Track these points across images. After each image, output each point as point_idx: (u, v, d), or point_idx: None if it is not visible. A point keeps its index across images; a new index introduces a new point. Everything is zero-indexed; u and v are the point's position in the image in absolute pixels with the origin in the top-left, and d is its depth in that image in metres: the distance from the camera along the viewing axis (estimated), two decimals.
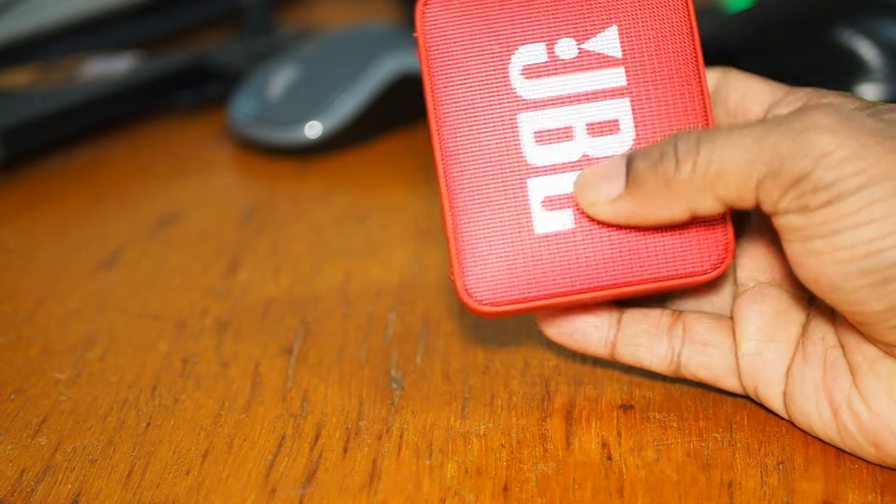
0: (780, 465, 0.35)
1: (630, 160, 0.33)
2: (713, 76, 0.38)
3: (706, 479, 0.34)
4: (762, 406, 0.37)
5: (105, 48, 0.71)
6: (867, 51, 0.57)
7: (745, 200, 0.31)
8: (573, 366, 0.40)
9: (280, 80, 0.60)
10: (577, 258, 0.35)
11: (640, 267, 0.35)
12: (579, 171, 0.35)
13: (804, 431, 0.35)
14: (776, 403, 0.35)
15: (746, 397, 0.37)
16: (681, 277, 0.35)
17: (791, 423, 0.36)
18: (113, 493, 0.35)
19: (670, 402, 0.38)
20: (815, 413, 0.34)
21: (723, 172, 0.31)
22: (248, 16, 0.69)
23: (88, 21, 0.72)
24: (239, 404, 0.39)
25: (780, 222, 0.31)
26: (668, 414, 0.37)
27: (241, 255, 0.49)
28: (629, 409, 0.38)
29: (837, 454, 0.35)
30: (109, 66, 0.66)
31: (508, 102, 0.36)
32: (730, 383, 0.36)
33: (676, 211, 0.33)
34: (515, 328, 0.42)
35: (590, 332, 0.37)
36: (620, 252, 0.35)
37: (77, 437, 0.37)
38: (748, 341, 0.36)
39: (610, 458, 0.35)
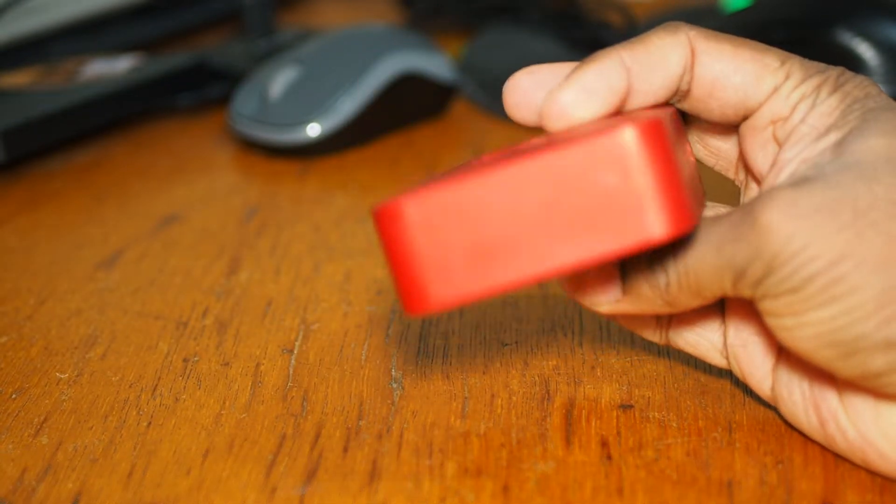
0: (780, 465, 0.35)
1: (624, 270, 0.35)
2: (678, 60, 0.34)
3: (705, 478, 0.34)
4: (761, 404, 0.37)
5: (106, 49, 0.71)
6: (866, 51, 0.57)
7: (729, 294, 0.33)
8: (573, 366, 0.40)
9: (280, 80, 0.60)
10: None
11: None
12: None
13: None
14: (765, 394, 0.36)
15: (747, 394, 0.38)
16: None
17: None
18: (114, 493, 0.35)
19: (670, 401, 0.38)
20: (803, 417, 0.35)
21: (700, 283, 0.33)
22: (249, 16, 0.69)
23: (89, 22, 0.72)
24: (239, 404, 0.39)
25: (755, 304, 0.32)
26: (667, 413, 0.37)
27: (242, 254, 0.49)
28: (629, 408, 0.38)
29: (835, 452, 0.35)
30: (110, 67, 0.66)
31: None
32: (718, 362, 0.37)
33: (677, 308, 0.34)
34: (516, 327, 0.42)
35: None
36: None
37: (78, 437, 0.38)
38: (734, 331, 0.36)
39: (609, 457, 0.35)
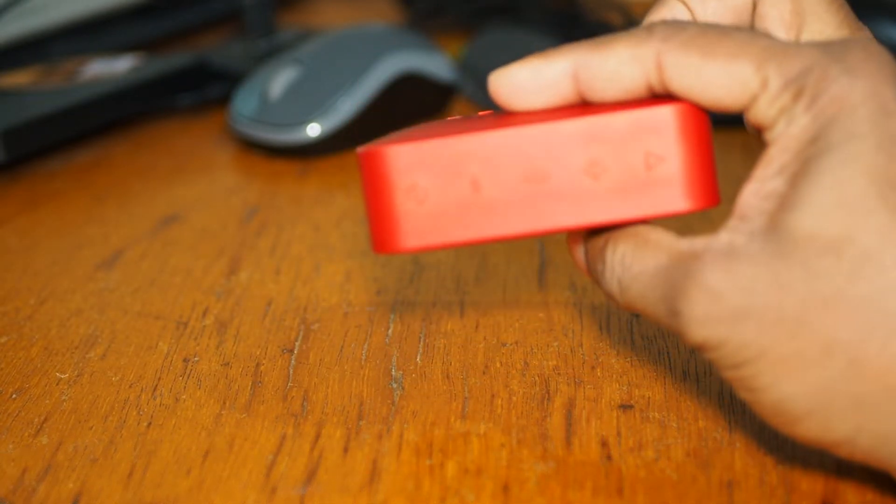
0: (780, 465, 0.35)
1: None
2: (634, 77, 0.33)
3: (706, 478, 0.34)
4: None
5: (106, 49, 0.71)
6: None
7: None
8: (573, 366, 0.40)
9: (280, 80, 0.60)
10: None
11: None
12: None
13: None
14: None
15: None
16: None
17: None
18: (114, 493, 0.35)
19: (670, 401, 0.38)
20: None
21: (646, 315, 0.33)
22: (249, 16, 0.69)
23: (90, 22, 0.72)
24: (239, 404, 0.39)
25: None
26: (667, 414, 0.37)
27: (242, 254, 0.49)
28: (629, 408, 0.38)
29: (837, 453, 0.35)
30: (110, 67, 0.66)
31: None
32: None
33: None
34: (517, 326, 0.42)
35: None
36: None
37: (78, 437, 0.38)
38: None
39: (610, 457, 0.35)
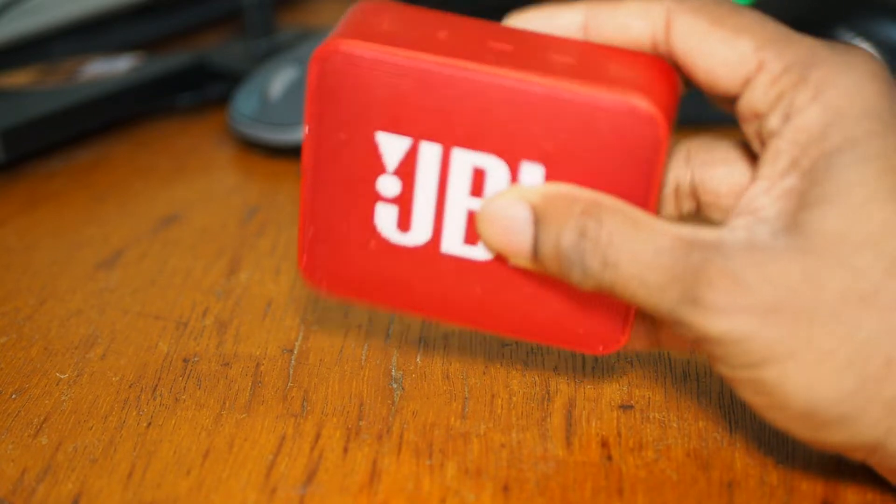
0: (780, 465, 0.35)
1: (535, 238, 0.32)
2: (641, 30, 0.33)
3: (706, 479, 0.34)
4: None
5: (106, 49, 0.71)
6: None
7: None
8: (573, 366, 0.40)
9: (281, 80, 0.60)
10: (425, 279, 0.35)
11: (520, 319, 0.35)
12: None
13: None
14: None
15: None
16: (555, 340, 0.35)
17: None
18: (114, 493, 0.35)
19: (670, 401, 0.38)
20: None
21: (630, 298, 0.31)
22: (249, 16, 0.69)
23: (89, 21, 0.72)
24: (239, 404, 0.39)
25: None
26: (667, 414, 0.37)
27: (242, 254, 0.49)
28: (629, 408, 0.38)
29: (837, 454, 0.35)
30: (110, 67, 0.66)
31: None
32: None
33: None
34: None
35: None
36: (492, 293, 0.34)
37: (78, 437, 0.37)
38: None
39: (610, 457, 0.35)
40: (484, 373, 0.40)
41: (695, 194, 0.36)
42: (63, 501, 0.35)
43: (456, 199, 0.33)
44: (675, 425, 0.37)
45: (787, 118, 0.30)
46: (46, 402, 0.39)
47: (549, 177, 0.32)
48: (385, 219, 0.34)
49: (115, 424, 0.38)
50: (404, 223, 0.34)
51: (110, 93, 0.61)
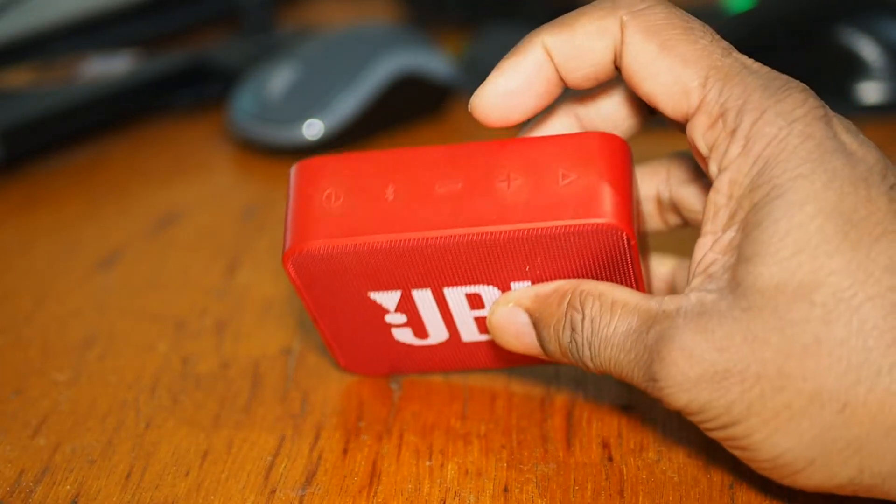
0: None
1: (539, 340, 0.34)
2: (604, 48, 0.32)
3: (707, 480, 0.34)
4: None
5: (104, 47, 0.71)
6: (868, 50, 0.57)
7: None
8: (574, 366, 0.40)
9: (280, 79, 0.60)
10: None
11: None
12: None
13: None
14: None
15: None
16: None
17: None
18: (112, 494, 0.35)
19: None
20: None
21: (621, 379, 0.32)
22: (248, 15, 0.69)
23: (88, 20, 0.72)
24: (238, 405, 0.39)
25: None
26: (668, 415, 0.37)
27: (241, 254, 0.49)
28: (630, 409, 0.37)
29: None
30: (108, 65, 0.66)
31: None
32: None
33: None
34: None
35: None
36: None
37: (76, 438, 0.37)
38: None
39: (611, 458, 0.35)
40: (484, 373, 0.40)
41: (676, 210, 0.37)
42: (61, 502, 0.34)
43: (460, 315, 0.36)
44: (676, 426, 0.36)
45: (722, 170, 0.31)
46: (44, 402, 0.39)
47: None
48: (403, 336, 0.37)
49: (114, 425, 0.38)
50: (421, 334, 0.37)
51: (109, 92, 0.61)
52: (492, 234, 0.32)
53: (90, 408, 0.39)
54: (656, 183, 0.37)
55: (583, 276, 0.34)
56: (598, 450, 0.36)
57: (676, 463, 0.35)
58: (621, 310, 0.32)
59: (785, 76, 0.31)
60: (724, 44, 0.32)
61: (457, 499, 0.34)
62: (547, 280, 0.34)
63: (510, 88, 0.33)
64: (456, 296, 0.35)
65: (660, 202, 0.38)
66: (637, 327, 0.31)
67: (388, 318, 0.36)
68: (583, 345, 0.32)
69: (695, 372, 0.30)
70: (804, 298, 0.29)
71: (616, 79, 0.35)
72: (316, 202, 0.34)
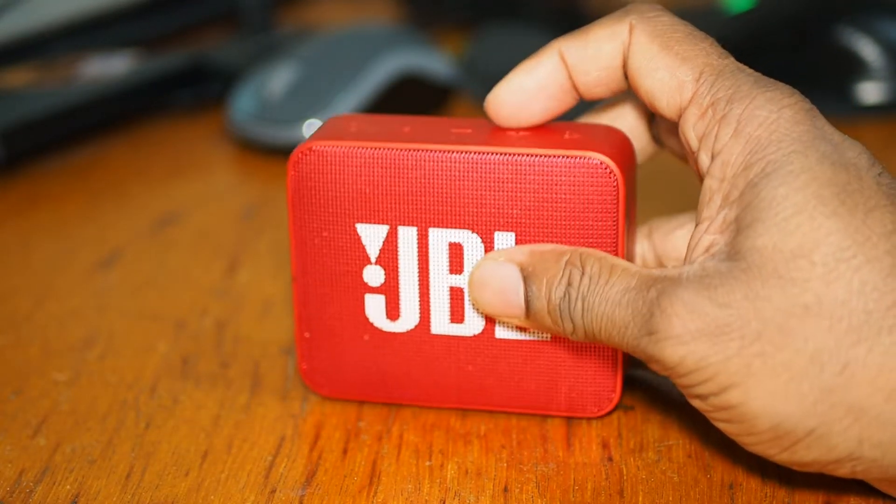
0: (782, 466, 0.34)
1: (527, 295, 0.34)
2: (614, 52, 0.34)
3: (707, 480, 0.34)
4: None
5: (104, 47, 0.71)
6: (868, 50, 0.57)
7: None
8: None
9: (279, 79, 0.60)
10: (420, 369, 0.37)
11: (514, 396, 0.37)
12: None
13: None
14: None
15: None
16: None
17: None
18: (112, 494, 0.35)
19: (671, 402, 0.38)
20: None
21: (608, 340, 0.33)
22: (248, 15, 0.69)
23: (88, 20, 0.72)
24: (238, 405, 0.39)
25: None
26: (668, 415, 0.37)
27: (241, 254, 0.49)
28: (630, 409, 0.37)
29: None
30: (108, 65, 0.66)
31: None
32: None
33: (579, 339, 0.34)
34: None
35: None
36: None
37: (76, 438, 0.37)
38: None
39: (611, 458, 0.35)
40: None
41: (661, 264, 0.38)
42: (61, 502, 0.34)
43: (438, 278, 0.36)
44: (676, 426, 0.36)
45: (713, 156, 0.32)
46: (44, 402, 0.39)
47: (520, 242, 0.35)
48: (375, 309, 0.37)
49: (114, 425, 0.38)
50: (393, 311, 0.36)
51: (108, 92, 0.61)
52: (488, 156, 0.34)
53: (90, 408, 0.39)
54: (637, 243, 0.39)
55: (569, 225, 0.34)
56: (598, 450, 0.36)
57: (676, 463, 0.35)
58: (622, 272, 0.32)
59: (776, 81, 0.32)
60: (723, 51, 0.33)
61: (457, 499, 0.34)
62: (529, 238, 0.35)
63: (524, 86, 0.35)
64: (439, 244, 0.35)
65: (643, 262, 0.39)
66: (636, 286, 0.32)
67: (366, 275, 0.36)
68: (576, 300, 0.33)
69: (695, 325, 0.30)
70: (804, 258, 0.29)
71: (624, 111, 0.37)
72: (336, 127, 0.36)
